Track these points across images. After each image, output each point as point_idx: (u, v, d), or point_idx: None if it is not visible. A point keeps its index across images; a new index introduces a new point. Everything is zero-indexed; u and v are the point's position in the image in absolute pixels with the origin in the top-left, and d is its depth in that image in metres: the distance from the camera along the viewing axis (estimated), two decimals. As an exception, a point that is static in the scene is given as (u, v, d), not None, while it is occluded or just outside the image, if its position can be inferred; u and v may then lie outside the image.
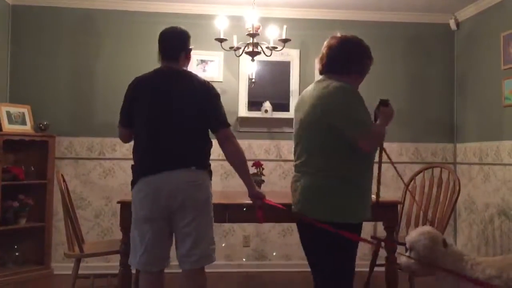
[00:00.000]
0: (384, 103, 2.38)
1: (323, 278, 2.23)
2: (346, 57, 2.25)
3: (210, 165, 2.56)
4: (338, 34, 2.35)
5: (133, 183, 2.47)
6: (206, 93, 2.51)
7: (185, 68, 2.62)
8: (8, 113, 4.25)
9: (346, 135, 2.12)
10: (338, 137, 2.13)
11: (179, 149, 2.41)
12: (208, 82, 2.57)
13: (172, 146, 2.41)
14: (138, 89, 2.51)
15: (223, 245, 4.69)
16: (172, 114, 2.43)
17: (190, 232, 2.41)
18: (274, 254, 4.73)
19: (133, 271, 2.89)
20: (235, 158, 2.55)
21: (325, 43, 2.35)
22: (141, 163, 2.46)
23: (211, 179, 2.56)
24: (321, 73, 2.31)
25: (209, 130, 2.55)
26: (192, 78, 2.53)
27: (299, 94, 4.70)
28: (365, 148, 2.13)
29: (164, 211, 2.40)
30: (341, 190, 2.14)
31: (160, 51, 2.60)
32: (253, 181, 2.59)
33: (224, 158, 4.48)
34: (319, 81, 2.27)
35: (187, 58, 2.65)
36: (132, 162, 2.55)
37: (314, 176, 2.17)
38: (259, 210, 2.57)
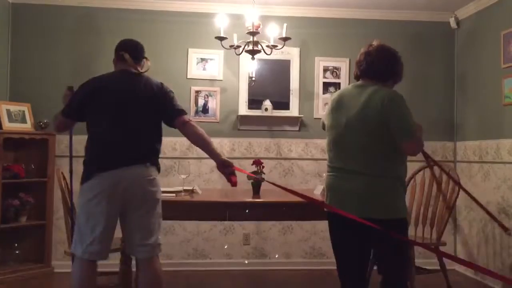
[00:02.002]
0: None
1: (394, 269, 2.36)
2: (385, 65, 2.40)
3: (158, 161, 2.71)
4: (375, 43, 2.48)
5: (87, 178, 2.54)
6: (161, 91, 2.70)
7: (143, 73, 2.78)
8: (8, 112, 4.26)
9: (395, 138, 2.26)
10: (390, 140, 2.27)
11: (135, 146, 2.57)
12: (161, 83, 2.76)
13: (128, 143, 2.56)
14: (97, 88, 2.63)
15: (225, 246, 4.70)
16: (130, 112, 2.59)
17: (145, 223, 2.57)
18: (277, 256, 4.73)
19: (81, 260, 2.82)
20: (197, 137, 2.71)
21: (363, 49, 2.47)
22: (99, 159, 2.56)
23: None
24: (358, 78, 2.45)
25: (167, 122, 2.72)
26: (149, 80, 2.72)
27: (299, 93, 4.76)
28: (413, 151, 2.33)
29: (119, 205, 2.54)
30: (396, 189, 2.30)
31: (126, 59, 2.72)
32: (218, 152, 2.70)
33: (224, 156, 4.47)
34: (360, 86, 2.39)
35: (145, 65, 2.84)
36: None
37: (370, 177, 2.28)
38: (232, 177, 2.70)
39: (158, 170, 2.69)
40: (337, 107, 2.43)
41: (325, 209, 2.47)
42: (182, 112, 2.73)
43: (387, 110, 2.25)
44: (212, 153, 2.69)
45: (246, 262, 4.67)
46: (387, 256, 2.36)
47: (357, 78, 2.47)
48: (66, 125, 2.81)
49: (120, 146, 2.54)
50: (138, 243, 2.58)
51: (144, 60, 2.83)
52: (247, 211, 3.11)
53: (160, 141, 2.74)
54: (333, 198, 2.39)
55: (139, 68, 2.75)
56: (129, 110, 2.59)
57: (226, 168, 2.68)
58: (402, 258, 2.36)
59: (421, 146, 2.38)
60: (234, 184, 2.71)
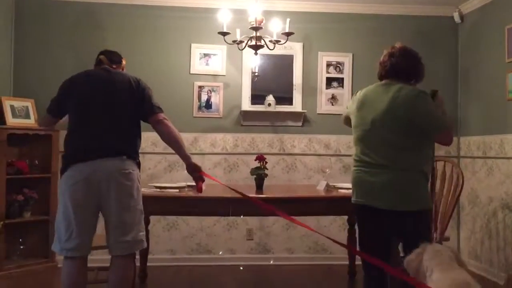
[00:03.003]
0: (435, 94, 2.57)
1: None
2: (408, 65, 2.56)
3: (138, 156, 2.71)
4: (398, 45, 2.62)
5: (63, 170, 2.57)
6: (138, 86, 2.71)
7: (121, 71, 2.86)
8: (12, 107, 4.26)
9: (427, 131, 2.42)
10: (416, 136, 2.41)
11: (111, 138, 2.58)
12: (139, 79, 2.78)
13: (105, 135, 2.57)
14: (76, 84, 2.69)
15: (220, 253, 4.71)
16: (106, 106, 2.61)
17: (121, 219, 2.54)
18: (272, 261, 4.75)
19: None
20: (170, 137, 2.71)
21: (386, 51, 2.62)
22: (75, 151, 2.58)
23: (139, 170, 2.70)
24: (382, 78, 2.59)
25: (142, 118, 2.73)
26: (127, 76, 2.75)
27: (302, 88, 4.75)
28: (446, 141, 2.49)
29: (94, 198, 2.52)
30: (420, 182, 2.44)
31: (101, 59, 2.84)
32: (189, 155, 2.73)
33: (227, 152, 4.51)
34: (385, 84, 2.53)
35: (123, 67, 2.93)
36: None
37: (395, 171, 2.40)
38: (199, 182, 2.76)
39: (138, 165, 2.68)
40: (362, 105, 2.55)
41: (353, 203, 2.58)
42: (158, 109, 2.71)
43: (414, 106, 2.38)
44: (182, 155, 2.72)
45: (241, 268, 4.68)
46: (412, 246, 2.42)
47: (381, 78, 2.60)
48: (49, 121, 2.88)
49: (96, 139, 2.56)
50: (115, 240, 2.55)
51: (123, 63, 2.92)
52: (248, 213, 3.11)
53: (138, 135, 2.73)
54: (360, 192, 2.52)
55: (115, 66, 2.82)
56: (105, 103, 2.61)
57: (194, 172, 2.72)
58: None
59: (452, 134, 2.51)
60: (199, 190, 2.75)
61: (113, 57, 2.86)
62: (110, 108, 2.61)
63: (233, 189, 2.62)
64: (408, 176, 2.41)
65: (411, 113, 2.38)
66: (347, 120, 2.76)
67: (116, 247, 2.56)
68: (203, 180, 2.77)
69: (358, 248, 2.66)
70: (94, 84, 2.67)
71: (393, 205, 2.39)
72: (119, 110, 2.63)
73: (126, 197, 2.55)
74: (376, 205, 2.43)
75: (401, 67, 2.54)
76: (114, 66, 2.81)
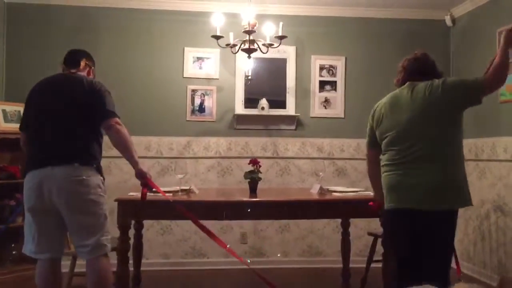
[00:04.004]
0: None
1: (443, 258, 2.44)
2: (431, 68, 2.64)
3: (98, 161, 2.67)
4: (419, 51, 2.73)
5: (23, 176, 2.64)
6: (92, 90, 2.65)
7: (82, 74, 2.80)
8: (4, 112, 4.24)
9: (473, 96, 2.45)
10: (455, 126, 2.47)
11: (62, 146, 2.56)
12: (97, 82, 2.73)
13: (56, 143, 2.57)
14: (31, 94, 2.74)
15: (222, 254, 4.69)
16: (56, 113, 2.60)
17: (80, 224, 2.57)
18: (279, 255, 4.75)
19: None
20: (117, 142, 2.64)
21: (409, 57, 2.72)
22: (29, 159, 2.63)
23: (101, 175, 2.67)
24: (403, 82, 2.66)
25: (97, 123, 2.65)
26: (82, 79, 2.69)
27: (296, 91, 4.76)
28: (491, 83, 2.39)
29: (48, 204, 2.55)
30: (464, 179, 2.49)
31: (63, 62, 2.85)
32: (136, 160, 2.68)
33: (221, 155, 4.51)
34: (410, 85, 2.58)
35: (86, 67, 2.88)
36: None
37: (438, 167, 2.39)
38: (143, 189, 2.77)
39: (97, 169, 2.64)
40: (391, 109, 2.60)
41: (385, 207, 2.56)
42: (110, 114, 2.63)
43: (446, 87, 2.42)
44: (130, 161, 2.67)
45: (247, 264, 4.67)
46: (438, 247, 2.45)
47: (403, 82, 2.66)
48: (24, 138, 2.78)
49: (47, 147, 2.58)
50: (77, 244, 2.61)
51: (84, 61, 2.86)
52: (249, 210, 3.10)
53: (94, 140, 2.66)
54: (398, 196, 2.46)
55: (74, 70, 2.78)
56: (54, 110, 2.60)
57: (140, 178, 2.73)
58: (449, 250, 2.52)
59: (500, 72, 2.36)
60: (142, 196, 2.77)
61: (70, 61, 2.82)
62: (60, 115, 2.60)
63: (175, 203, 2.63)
64: (451, 172, 2.41)
65: (447, 95, 2.41)
66: (372, 140, 2.73)
67: (79, 251, 2.64)
68: (148, 188, 2.77)
69: (394, 260, 2.60)
70: (44, 92, 2.70)
71: (439, 205, 2.37)
72: (69, 116, 2.60)
73: (82, 203, 2.55)
74: (418, 207, 2.38)
75: (425, 69, 2.62)
76: (72, 71, 2.77)
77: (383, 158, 2.60)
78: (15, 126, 4.23)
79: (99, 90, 2.66)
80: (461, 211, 4.61)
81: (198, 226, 2.37)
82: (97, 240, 2.58)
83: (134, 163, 2.66)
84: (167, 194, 3.19)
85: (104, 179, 2.71)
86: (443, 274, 2.38)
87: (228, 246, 2.51)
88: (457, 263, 2.85)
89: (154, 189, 2.83)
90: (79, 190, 2.53)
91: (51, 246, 2.63)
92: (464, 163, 2.52)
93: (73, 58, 2.85)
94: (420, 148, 2.41)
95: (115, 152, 2.74)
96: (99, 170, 2.65)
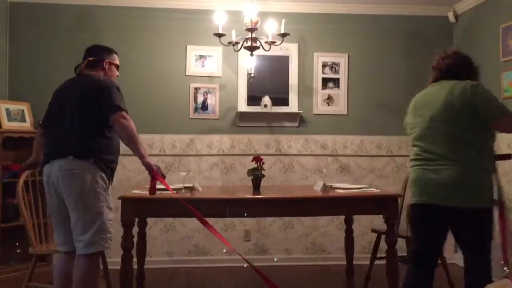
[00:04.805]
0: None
1: (481, 252, 2.53)
2: (463, 66, 2.66)
3: (98, 156, 2.63)
4: (450, 49, 2.76)
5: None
6: (97, 87, 2.67)
7: (93, 73, 2.81)
8: (8, 111, 4.25)
9: (486, 118, 2.42)
10: (477, 127, 2.45)
11: (62, 142, 2.63)
12: (104, 79, 2.75)
13: (58, 139, 2.66)
14: (52, 96, 2.84)
15: (224, 251, 4.70)
16: (65, 110, 2.67)
17: (76, 219, 2.60)
18: (276, 259, 4.75)
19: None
20: (122, 136, 2.64)
21: (439, 56, 2.72)
22: (44, 155, 2.77)
23: (101, 170, 2.64)
24: (439, 79, 2.66)
25: (106, 119, 2.64)
26: (88, 77, 2.76)
27: (298, 89, 4.75)
28: (508, 128, 2.50)
29: (55, 198, 2.67)
30: (484, 177, 2.47)
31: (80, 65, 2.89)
32: (143, 153, 2.63)
33: (224, 153, 4.51)
34: (440, 84, 2.61)
35: (106, 66, 2.88)
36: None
37: (457, 165, 2.42)
38: (151, 180, 2.71)
39: (97, 164, 2.61)
40: (420, 105, 2.65)
41: (412, 204, 2.61)
42: (115, 108, 2.62)
43: (472, 95, 2.42)
44: (137, 154, 2.64)
45: (245, 266, 4.67)
46: (468, 245, 2.54)
47: (435, 81, 2.69)
48: (37, 136, 3.01)
49: (54, 142, 2.68)
50: (75, 238, 2.63)
51: (105, 61, 2.86)
52: (245, 214, 3.13)
53: (103, 136, 2.66)
54: (421, 190, 2.53)
55: (88, 71, 2.81)
56: (64, 108, 2.68)
57: (148, 171, 2.69)
58: (485, 246, 2.55)
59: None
60: (150, 189, 2.74)
61: (91, 61, 2.83)
62: (67, 112, 2.66)
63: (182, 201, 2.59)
64: (469, 171, 2.42)
65: (469, 102, 2.42)
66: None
67: (76, 246, 2.64)
68: (155, 180, 2.72)
69: (410, 248, 2.72)
70: (58, 91, 2.81)
71: (454, 202, 2.42)
72: (75, 113, 2.64)
73: (74, 197, 2.57)
74: (438, 203, 2.46)
75: (456, 68, 2.63)
76: (89, 71, 2.80)
77: (411, 153, 2.68)
78: (18, 125, 4.26)
79: (106, 88, 2.66)
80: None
81: (204, 224, 2.35)
82: (91, 237, 2.58)
83: (140, 156, 2.63)
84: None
85: (108, 175, 2.70)
86: (479, 269, 2.50)
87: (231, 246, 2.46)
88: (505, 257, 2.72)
89: (159, 187, 2.81)
90: (72, 184, 2.56)
91: (65, 240, 2.71)
92: (489, 164, 2.51)
93: (95, 56, 2.85)
94: (440, 147, 2.47)
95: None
96: (100, 166, 2.63)
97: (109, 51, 2.94)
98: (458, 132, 2.45)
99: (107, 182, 2.70)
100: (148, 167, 2.65)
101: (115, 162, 2.77)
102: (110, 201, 2.72)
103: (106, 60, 2.87)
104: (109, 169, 2.70)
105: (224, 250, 4.65)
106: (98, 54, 2.86)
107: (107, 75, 2.85)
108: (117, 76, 2.97)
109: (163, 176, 2.70)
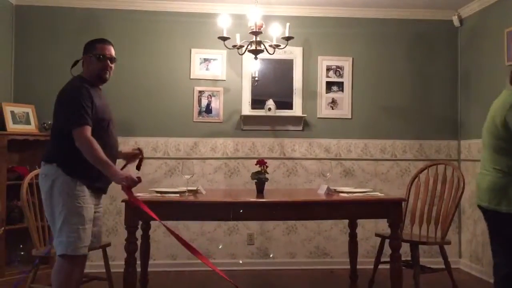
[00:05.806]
0: None
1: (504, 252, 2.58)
2: None
3: (61, 160, 2.61)
4: None
5: None
6: (59, 96, 2.70)
7: (79, 74, 2.85)
8: (13, 113, 4.27)
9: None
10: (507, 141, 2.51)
11: (46, 147, 2.79)
12: (66, 87, 2.72)
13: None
14: None
15: (219, 247, 4.70)
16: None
17: (48, 220, 2.70)
18: (276, 258, 4.74)
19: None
20: (86, 157, 2.58)
21: None
22: None
23: (68, 174, 2.60)
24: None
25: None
26: (65, 85, 2.77)
27: (302, 92, 4.76)
28: None
29: None
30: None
31: None
32: (111, 169, 2.60)
33: (228, 156, 4.51)
34: (503, 91, 2.70)
35: (84, 64, 2.89)
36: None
37: (494, 173, 2.56)
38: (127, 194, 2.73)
39: (62, 169, 2.59)
40: (489, 112, 2.71)
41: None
42: (72, 126, 2.57)
43: (509, 111, 2.47)
44: (106, 174, 2.63)
45: (241, 262, 4.67)
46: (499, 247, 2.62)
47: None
48: None
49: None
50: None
51: (83, 59, 2.88)
52: (241, 210, 3.04)
53: (62, 140, 2.62)
54: (477, 193, 2.71)
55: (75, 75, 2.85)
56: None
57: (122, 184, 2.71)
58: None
59: None
60: (130, 204, 2.81)
61: (74, 64, 2.94)
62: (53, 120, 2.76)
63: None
64: (499, 178, 2.53)
65: (501, 117, 2.48)
66: None
67: None
68: (130, 193, 2.76)
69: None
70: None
71: (489, 206, 2.57)
72: (53, 121, 2.75)
73: (43, 200, 2.68)
74: (481, 205, 2.65)
75: None
76: (74, 75, 2.85)
77: None
78: (23, 128, 4.28)
79: (58, 101, 2.69)
80: (468, 212, 4.61)
81: (183, 244, 2.36)
82: (56, 239, 2.64)
83: (110, 176, 2.62)
84: (174, 196, 3.20)
85: (86, 181, 2.64)
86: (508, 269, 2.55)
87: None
88: None
89: (159, 190, 2.80)
90: (41, 187, 2.67)
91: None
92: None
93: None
94: (484, 155, 2.66)
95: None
96: (65, 171, 2.60)
97: (88, 45, 2.91)
98: (495, 143, 2.54)
99: (84, 187, 2.64)
100: (118, 183, 2.66)
101: (94, 168, 2.60)
102: (79, 206, 2.61)
103: (84, 57, 2.87)
104: (85, 175, 2.63)
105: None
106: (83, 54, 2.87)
107: (89, 72, 2.82)
108: (108, 66, 2.86)
109: (139, 182, 2.71)
